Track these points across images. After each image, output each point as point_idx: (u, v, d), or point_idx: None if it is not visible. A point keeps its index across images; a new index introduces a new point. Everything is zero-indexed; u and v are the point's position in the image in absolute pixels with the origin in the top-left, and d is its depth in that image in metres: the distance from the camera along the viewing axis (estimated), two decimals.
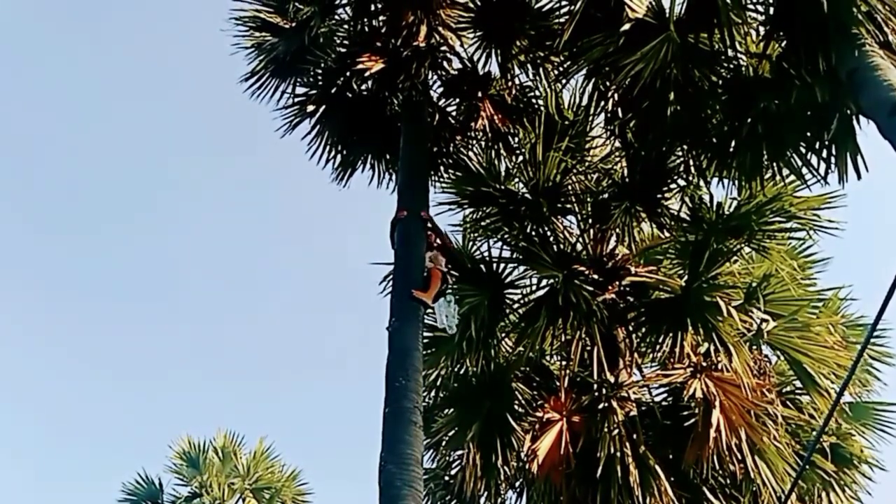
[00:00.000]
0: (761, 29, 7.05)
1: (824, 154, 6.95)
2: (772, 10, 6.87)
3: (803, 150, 7.09)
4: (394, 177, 9.12)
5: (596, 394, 8.32)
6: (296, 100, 9.01)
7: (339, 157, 9.18)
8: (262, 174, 25.28)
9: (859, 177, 6.84)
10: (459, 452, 8.63)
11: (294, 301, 26.06)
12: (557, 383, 8.53)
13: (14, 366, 23.28)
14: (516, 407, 8.49)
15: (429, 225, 7.65)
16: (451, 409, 8.71)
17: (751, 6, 6.93)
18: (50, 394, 23.23)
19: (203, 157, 24.91)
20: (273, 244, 26.35)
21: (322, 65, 8.83)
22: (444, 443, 8.67)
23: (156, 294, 25.31)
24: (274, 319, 26.65)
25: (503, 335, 8.91)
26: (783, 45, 6.87)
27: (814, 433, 8.62)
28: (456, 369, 8.61)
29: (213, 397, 25.41)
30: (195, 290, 25.48)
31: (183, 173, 24.65)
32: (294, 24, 8.78)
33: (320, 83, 8.92)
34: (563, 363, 8.79)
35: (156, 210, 24.47)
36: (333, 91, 8.82)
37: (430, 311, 7.63)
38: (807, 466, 7.96)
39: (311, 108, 8.91)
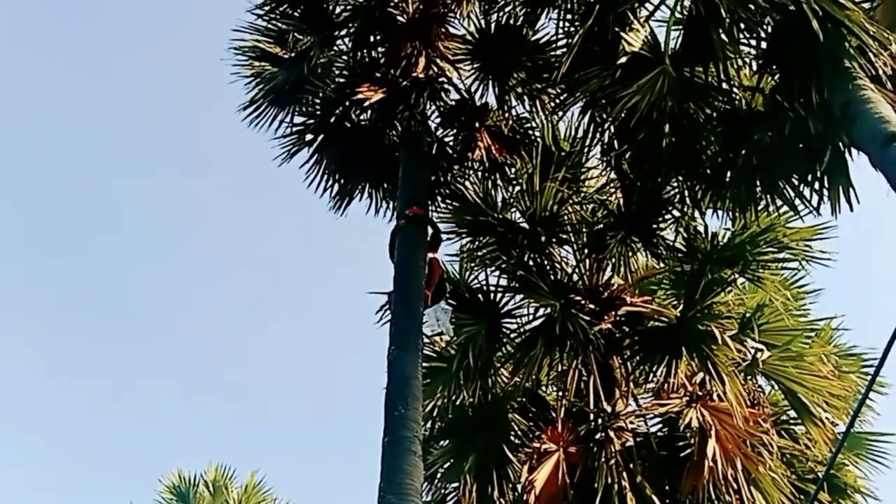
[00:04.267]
0: (755, 63, 7.18)
1: (817, 186, 7.03)
2: (765, 45, 7.00)
3: (796, 182, 7.18)
4: (391, 205, 9.19)
5: (592, 424, 8.33)
6: (294, 129, 9.09)
7: (336, 185, 9.22)
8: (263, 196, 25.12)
9: (851, 208, 6.93)
10: (455, 484, 8.56)
11: (288, 332, 25.94)
12: (554, 414, 8.54)
13: None
14: (513, 438, 8.47)
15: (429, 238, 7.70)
16: (447, 441, 8.66)
17: (744, 41, 7.05)
18: (37, 427, 22.88)
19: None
20: (268, 275, 26.27)
21: (321, 94, 8.92)
22: (439, 474, 8.60)
23: (145, 324, 25.12)
24: (267, 349, 26.49)
25: (499, 365, 8.92)
26: (776, 78, 6.99)
27: (809, 463, 8.65)
28: (452, 400, 8.60)
29: (204, 430, 25.15)
30: (187, 321, 25.33)
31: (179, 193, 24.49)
32: (293, 55, 8.89)
33: (319, 112, 8.99)
34: (560, 393, 8.79)
35: (151, 232, 24.31)
36: (332, 120, 8.88)
37: (428, 336, 7.64)
38: (803, 496, 7.97)
39: (309, 136, 8.96)
